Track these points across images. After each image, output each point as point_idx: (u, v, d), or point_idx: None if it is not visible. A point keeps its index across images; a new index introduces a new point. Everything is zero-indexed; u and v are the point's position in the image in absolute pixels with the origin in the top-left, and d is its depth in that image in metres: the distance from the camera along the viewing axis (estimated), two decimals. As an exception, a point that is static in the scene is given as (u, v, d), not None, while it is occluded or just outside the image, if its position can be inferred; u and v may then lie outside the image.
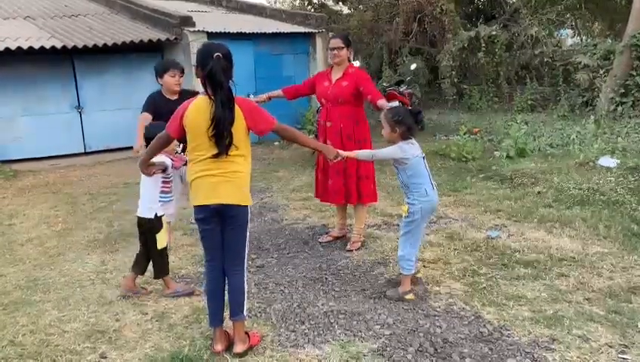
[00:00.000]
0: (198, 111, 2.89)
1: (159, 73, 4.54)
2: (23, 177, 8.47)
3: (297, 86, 4.99)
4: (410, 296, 3.64)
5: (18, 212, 6.40)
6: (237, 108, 2.89)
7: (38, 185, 7.94)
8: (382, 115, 3.71)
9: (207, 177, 2.95)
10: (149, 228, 3.73)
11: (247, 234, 3.11)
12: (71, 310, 3.70)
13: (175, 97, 4.54)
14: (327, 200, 4.81)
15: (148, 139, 3.43)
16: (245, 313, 3.12)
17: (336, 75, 4.60)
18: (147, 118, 4.41)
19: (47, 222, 5.91)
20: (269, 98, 4.76)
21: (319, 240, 4.96)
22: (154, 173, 3.53)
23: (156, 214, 3.70)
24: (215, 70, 2.82)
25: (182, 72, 4.59)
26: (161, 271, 3.83)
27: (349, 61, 4.62)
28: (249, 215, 3.11)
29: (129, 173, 7.94)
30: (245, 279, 3.13)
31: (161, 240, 3.73)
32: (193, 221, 5.66)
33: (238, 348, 3.04)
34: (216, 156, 2.89)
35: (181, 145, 3.81)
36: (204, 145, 2.90)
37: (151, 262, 3.84)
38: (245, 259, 3.12)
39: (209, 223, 3.04)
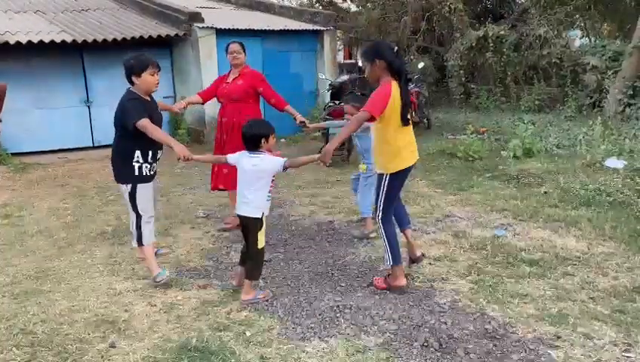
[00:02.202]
0: (396, 94, 3.55)
1: (136, 71, 3.89)
2: (33, 170, 8.55)
3: (208, 88, 5.43)
4: (373, 235, 4.75)
5: (28, 204, 6.47)
6: None
7: (47, 177, 8.02)
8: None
9: (410, 144, 3.79)
10: (253, 227, 3.63)
11: None
12: (80, 300, 3.75)
13: (148, 98, 4.05)
14: (218, 186, 5.26)
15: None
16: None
17: (233, 76, 5.20)
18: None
19: (57, 215, 5.97)
20: (188, 104, 5.19)
21: (218, 228, 5.27)
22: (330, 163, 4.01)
23: (263, 213, 3.64)
24: (401, 63, 3.65)
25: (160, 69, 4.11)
26: (256, 271, 3.69)
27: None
28: None
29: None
30: None
31: (262, 239, 3.67)
32: (200, 215, 5.75)
33: None
34: (404, 125, 3.65)
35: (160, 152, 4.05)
36: (395, 119, 3.58)
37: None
38: None
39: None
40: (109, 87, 10.18)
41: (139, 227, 4.01)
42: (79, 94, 10.09)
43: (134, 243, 4.12)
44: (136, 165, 3.90)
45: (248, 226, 3.64)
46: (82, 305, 3.67)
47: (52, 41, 9.10)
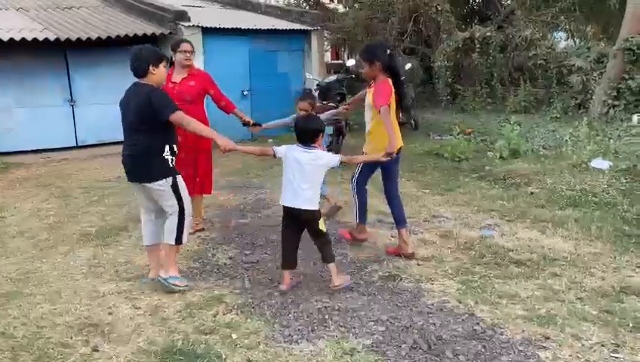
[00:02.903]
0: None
1: (154, 62, 3.73)
2: (15, 170, 8.39)
3: None
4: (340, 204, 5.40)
5: (9, 205, 6.34)
6: None
7: (29, 178, 7.87)
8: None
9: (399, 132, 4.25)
10: (314, 218, 3.72)
11: None
12: (63, 303, 3.68)
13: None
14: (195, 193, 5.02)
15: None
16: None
17: (181, 76, 4.97)
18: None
19: (39, 215, 5.86)
20: None
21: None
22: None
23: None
24: (396, 64, 4.28)
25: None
26: (331, 251, 3.81)
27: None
28: None
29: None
30: None
31: (322, 223, 3.79)
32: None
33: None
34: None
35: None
36: (393, 109, 4.15)
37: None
38: None
39: None
40: (94, 87, 10.06)
41: (181, 223, 3.79)
42: (63, 93, 9.92)
43: (169, 240, 3.80)
44: (169, 158, 3.74)
45: (308, 219, 3.72)
46: (64, 308, 3.59)
47: (35, 39, 8.95)
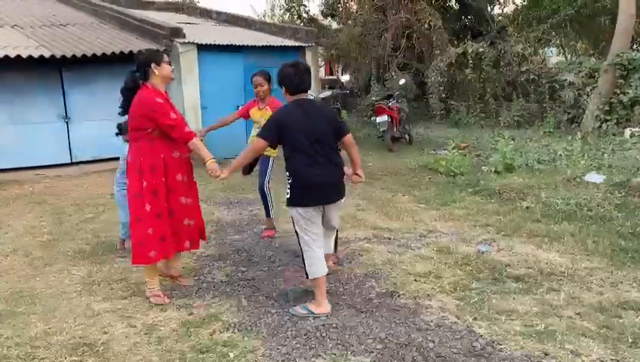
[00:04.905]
0: None
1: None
2: (8, 187, 8.34)
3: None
4: None
5: (2, 222, 6.29)
6: None
7: (23, 195, 7.82)
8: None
9: None
10: None
11: None
12: (57, 322, 3.62)
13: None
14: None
15: None
16: None
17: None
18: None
19: (33, 233, 5.81)
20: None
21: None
22: None
23: None
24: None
25: None
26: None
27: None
28: None
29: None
30: None
31: None
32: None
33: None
34: None
35: None
36: None
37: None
38: None
39: None
40: (88, 103, 10.04)
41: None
42: (57, 110, 9.90)
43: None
44: None
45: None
46: (59, 328, 3.54)
47: (30, 57, 8.95)
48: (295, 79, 3.65)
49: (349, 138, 3.74)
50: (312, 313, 3.60)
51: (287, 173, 3.62)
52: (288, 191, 3.62)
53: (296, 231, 3.69)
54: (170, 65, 3.88)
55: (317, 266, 3.62)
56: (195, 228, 4.05)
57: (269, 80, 5.14)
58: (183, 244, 4.00)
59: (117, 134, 4.66)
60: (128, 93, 3.82)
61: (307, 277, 3.68)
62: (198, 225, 4.10)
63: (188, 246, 4.05)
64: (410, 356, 3.07)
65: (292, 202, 3.61)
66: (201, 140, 4.21)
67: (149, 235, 3.73)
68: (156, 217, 3.74)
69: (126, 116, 3.87)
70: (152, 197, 3.72)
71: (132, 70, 3.87)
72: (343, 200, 3.86)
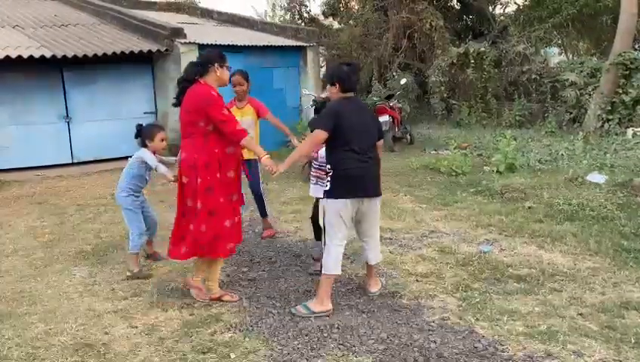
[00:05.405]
0: None
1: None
2: (9, 187, 8.34)
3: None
4: None
5: (3, 223, 6.29)
6: None
7: (24, 195, 7.82)
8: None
9: None
10: None
11: None
12: (58, 323, 3.62)
13: None
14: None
15: None
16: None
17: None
18: None
19: (34, 233, 5.81)
20: None
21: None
22: None
23: None
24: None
25: None
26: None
27: None
28: None
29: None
30: None
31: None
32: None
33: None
34: None
35: None
36: None
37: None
38: None
39: None
40: (89, 103, 10.06)
41: None
42: (58, 110, 9.91)
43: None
44: None
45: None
46: (59, 328, 3.53)
47: (31, 57, 8.95)
48: (351, 78, 3.73)
49: (381, 142, 3.88)
50: (314, 312, 3.60)
51: (329, 165, 3.67)
52: (328, 183, 3.65)
53: (323, 225, 3.73)
54: (229, 71, 3.90)
55: (334, 263, 3.66)
56: (240, 224, 3.98)
57: (247, 79, 5.15)
58: (235, 241, 3.95)
59: (136, 136, 4.44)
60: (185, 85, 3.78)
61: (321, 271, 3.73)
62: (240, 222, 4.03)
63: (233, 248, 3.97)
64: (412, 356, 3.05)
65: (331, 194, 3.65)
66: None
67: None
68: (208, 214, 3.68)
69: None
70: (204, 194, 3.66)
71: (193, 62, 3.88)
72: (379, 200, 3.83)
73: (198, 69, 3.77)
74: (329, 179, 3.65)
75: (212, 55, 3.84)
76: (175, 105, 3.86)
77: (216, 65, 3.75)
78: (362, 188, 3.66)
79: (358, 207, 3.69)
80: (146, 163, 4.33)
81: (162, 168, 4.24)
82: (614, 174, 6.96)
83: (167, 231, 5.65)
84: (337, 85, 3.72)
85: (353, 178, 3.61)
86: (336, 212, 3.62)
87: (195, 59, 4.08)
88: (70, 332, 3.47)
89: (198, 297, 3.88)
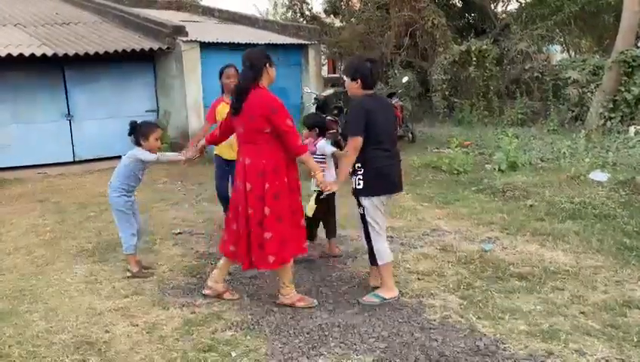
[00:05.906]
0: None
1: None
2: (11, 185, 8.34)
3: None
4: None
5: (5, 221, 6.29)
6: None
7: (25, 193, 7.83)
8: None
9: None
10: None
11: None
12: (59, 321, 3.62)
13: None
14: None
15: None
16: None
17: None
18: None
19: (35, 231, 5.81)
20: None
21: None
22: None
23: None
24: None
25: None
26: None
27: None
28: None
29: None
30: None
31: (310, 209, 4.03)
32: (178, 231, 5.62)
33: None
34: None
35: None
36: None
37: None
38: None
39: None
40: (91, 101, 10.07)
41: None
42: (60, 108, 9.91)
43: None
44: None
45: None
46: (60, 326, 3.53)
47: (32, 55, 8.96)
48: (373, 74, 3.77)
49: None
50: (384, 299, 3.75)
51: (359, 164, 3.67)
52: (360, 180, 3.67)
53: (366, 221, 3.76)
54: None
55: (387, 253, 3.78)
56: (305, 228, 3.89)
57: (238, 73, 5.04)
58: (302, 245, 3.83)
59: (130, 133, 4.26)
60: (244, 94, 3.60)
61: (377, 265, 3.83)
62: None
63: (305, 248, 3.90)
64: (413, 355, 3.05)
65: (367, 192, 3.69)
66: (205, 152, 4.22)
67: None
68: (276, 221, 3.58)
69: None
70: (272, 199, 3.56)
71: (247, 67, 3.66)
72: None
73: (253, 74, 3.62)
74: (360, 177, 3.68)
75: (261, 56, 3.69)
76: (234, 113, 3.68)
77: (267, 65, 3.66)
78: (394, 185, 3.81)
79: (387, 202, 3.82)
80: (141, 161, 4.28)
81: (168, 155, 4.23)
82: (617, 172, 6.94)
83: (167, 231, 5.68)
84: (359, 81, 3.72)
85: (385, 175, 3.72)
86: (376, 208, 3.73)
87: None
88: (71, 330, 3.47)
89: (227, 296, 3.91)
